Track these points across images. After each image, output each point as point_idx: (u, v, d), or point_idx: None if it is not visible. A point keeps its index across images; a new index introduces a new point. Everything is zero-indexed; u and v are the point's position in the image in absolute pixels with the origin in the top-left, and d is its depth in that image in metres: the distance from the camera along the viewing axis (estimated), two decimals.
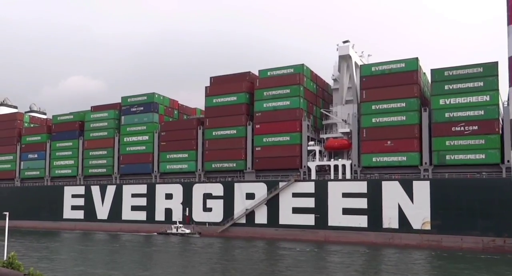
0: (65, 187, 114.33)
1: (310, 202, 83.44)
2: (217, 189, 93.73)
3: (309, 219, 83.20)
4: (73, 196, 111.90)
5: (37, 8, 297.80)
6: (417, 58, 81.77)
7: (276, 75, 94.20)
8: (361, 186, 79.79)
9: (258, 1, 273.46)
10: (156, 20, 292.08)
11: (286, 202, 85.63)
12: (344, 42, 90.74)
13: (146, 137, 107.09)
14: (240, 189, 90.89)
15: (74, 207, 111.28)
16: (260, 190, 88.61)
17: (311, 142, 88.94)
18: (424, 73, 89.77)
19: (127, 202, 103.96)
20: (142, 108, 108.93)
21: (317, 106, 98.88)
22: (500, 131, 73.27)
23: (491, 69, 74.39)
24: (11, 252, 22.18)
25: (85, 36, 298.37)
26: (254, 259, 62.26)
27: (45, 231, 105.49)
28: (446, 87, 76.98)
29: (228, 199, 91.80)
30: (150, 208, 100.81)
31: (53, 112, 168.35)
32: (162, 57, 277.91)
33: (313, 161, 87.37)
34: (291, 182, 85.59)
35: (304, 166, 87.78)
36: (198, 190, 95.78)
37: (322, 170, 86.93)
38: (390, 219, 76.51)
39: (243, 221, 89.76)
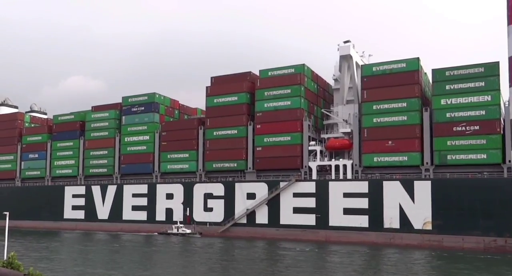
0: (66, 187, 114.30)
1: (311, 202, 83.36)
2: (218, 189, 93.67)
3: (310, 219, 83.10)
4: (74, 196, 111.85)
5: (37, 8, 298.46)
6: (418, 58, 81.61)
7: (277, 75, 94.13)
8: (362, 186, 79.68)
9: (258, 1, 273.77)
10: (156, 20, 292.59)
11: (287, 202, 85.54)
12: (345, 42, 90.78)
13: (147, 137, 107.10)
14: (241, 189, 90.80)
15: (74, 207, 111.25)
16: (261, 190, 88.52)
17: (312, 142, 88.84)
18: (425, 73, 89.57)
19: (128, 202, 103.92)
20: (143, 108, 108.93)
21: (318, 106, 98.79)
22: (502, 131, 73.20)
23: (492, 69, 74.23)
24: (11, 252, 22.07)
25: (85, 36, 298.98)
26: (254, 259, 62.14)
27: (46, 231, 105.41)
28: (447, 87, 76.88)
29: (229, 199, 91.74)
30: (150, 208, 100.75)
31: (53, 112, 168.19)
32: (162, 57, 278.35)
33: (314, 161, 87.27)
34: (292, 182, 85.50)
35: (305, 166, 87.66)
36: (199, 190, 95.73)
37: (323, 170, 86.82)
38: (391, 219, 76.39)
39: (244, 221, 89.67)
